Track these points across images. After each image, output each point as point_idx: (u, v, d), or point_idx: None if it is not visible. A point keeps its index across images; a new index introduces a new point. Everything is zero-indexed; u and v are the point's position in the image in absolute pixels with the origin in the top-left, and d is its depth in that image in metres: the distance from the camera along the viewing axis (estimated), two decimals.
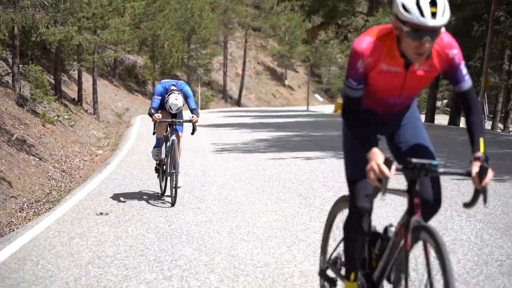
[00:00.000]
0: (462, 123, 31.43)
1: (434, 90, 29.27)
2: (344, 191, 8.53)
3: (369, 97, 3.45)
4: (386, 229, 3.49)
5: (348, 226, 3.67)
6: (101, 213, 7.44)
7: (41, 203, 9.78)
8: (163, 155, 8.57)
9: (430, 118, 28.65)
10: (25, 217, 8.71)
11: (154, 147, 8.80)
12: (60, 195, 10.20)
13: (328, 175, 10.03)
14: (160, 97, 8.27)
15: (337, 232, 4.31)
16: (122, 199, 8.41)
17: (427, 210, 3.38)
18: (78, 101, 27.58)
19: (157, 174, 8.83)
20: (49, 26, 17.87)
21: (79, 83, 28.47)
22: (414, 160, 3.07)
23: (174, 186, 7.86)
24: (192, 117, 8.16)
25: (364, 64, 3.24)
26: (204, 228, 6.62)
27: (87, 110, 27.58)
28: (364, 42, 3.25)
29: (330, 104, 68.79)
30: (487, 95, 32.68)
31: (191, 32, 50.80)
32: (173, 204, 7.76)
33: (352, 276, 3.66)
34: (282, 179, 9.81)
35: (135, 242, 6.08)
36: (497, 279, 4.74)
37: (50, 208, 8.66)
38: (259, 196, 8.45)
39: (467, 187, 8.50)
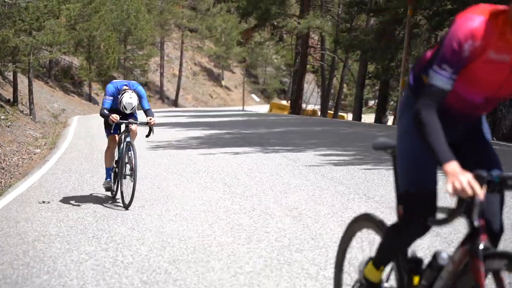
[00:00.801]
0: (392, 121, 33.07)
1: (361, 89, 30.80)
2: (266, 180, 9.52)
3: (452, 93, 2.81)
4: (435, 256, 2.89)
5: (393, 232, 3.11)
6: (43, 202, 8.20)
7: None
8: (116, 157, 8.45)
9: (357, 117, 30.15)
10: None
11: (106, 179, 8.50)
12: (2, 189, 10.84)
13: (252, 167, 11.00)
14: (112, 98, 8.11)
15: (352, 268, 3.91)
16: (62, 190, 9.17)
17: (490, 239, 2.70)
18: (13, 102, 27.79)
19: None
20: None
21: (15, 84, 28.68)
22: (495, 173, 2.60)
23: (132, 188, 7.68)
24: (150, 119, 8.03)
25: (472, 48, 2.65)
26: (137, 212, 7.49)
27: (23, 111, 27.83)
28: (475, 20, 2.65)
29: (266, 104, 70.02)
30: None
31: (127, 33, 51.11)
32: (127, 208, 7.62)
33: (382, 267, 3.23)
34: (210, 171, 10.73)
35: (76, 224, 6.90)
36: None
37: None
38: (188, 185, 9.35)
39: None
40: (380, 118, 29.21)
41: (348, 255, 3.64)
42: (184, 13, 62.64)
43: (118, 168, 8.22)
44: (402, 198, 3.04)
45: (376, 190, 8.48)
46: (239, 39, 49.38)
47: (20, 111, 27.20)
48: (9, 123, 20.61)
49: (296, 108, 39.03)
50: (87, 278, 4.98)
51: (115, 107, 8.18)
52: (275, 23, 46.42)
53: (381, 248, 3.21)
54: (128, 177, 7.97)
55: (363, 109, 41.89)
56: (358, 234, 3.53)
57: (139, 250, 5.77)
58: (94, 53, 45.33)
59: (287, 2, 37.80)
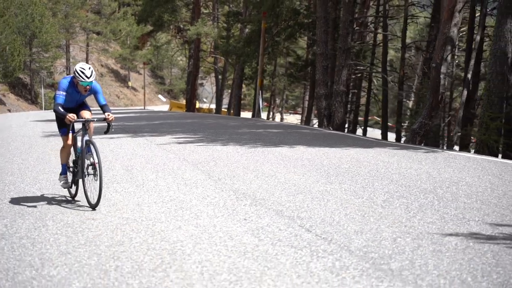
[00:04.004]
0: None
1: (239, 88, 35.07)
2: (122, 154, 13.28)
3: None
4: None
5: None
6: None
7: None
8: (73, 157, 8.35)
9: (237, 113, 34.38)
10: None
11: (61, 174, 8.42)
12: None
13: (117, 146, 14.65)
14: (65, 93, 7.84)
15: None
16: None
17: None
18: None
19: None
20: None
21: None
22: None
23: (98, 189, 7.58)
24: (108, 115, 7.92)
25: None
26: (22, 167, 11.04)
27: None
28: None
29: None
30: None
31: (32, 36, 53.34)
32: (95, 207, 7.60)
33: None
34: None
35: None
36: None
37: None
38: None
39: None
40: (254, 113, 33.47)
41: None
42: (89, 17, 65.21)
43: (78, 167, 8.06)
44: None
45: (193, 156, 12.38)
46: (136, 43, 52.70)
47: None
48: None
49: (191, 106, 42.82)
50: None
51: (69, 105, 8.08)
52: (181, 26, 50.00)
53: None
54: (91, 176, 7.83)
55: (262, 107, 46.14)
56: None
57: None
58: None
59: (179, 10, 41.56)
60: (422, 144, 18.93)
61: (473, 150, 18.11)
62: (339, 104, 22.73)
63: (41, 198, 8.40)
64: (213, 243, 5.95)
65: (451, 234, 6.05)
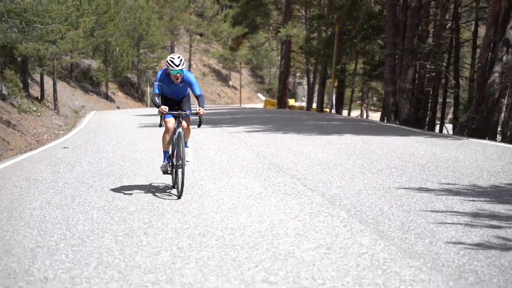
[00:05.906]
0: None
1: (322, 86, 37.28)
2: (197, 139, 15.95)
3: None
4: None
5: None
6: (64, 147, 14.64)
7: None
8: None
9: (320, 109, 36.64)
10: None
11: (163, 162, 8.77)
12: (43, 144, 17.31)
13: (194, 133, 17.29)
14: (161, 84, 8.25)
15: None
16: (76, 144, 15.60)
17: None
18: (41, 99, 34.40)
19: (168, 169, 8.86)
20: (22, 42, 24.90)
21: (41, 85, 35.25)
22: None
23: (181, 179, 8.05)
24: (199, 109, 8.21)
25: None
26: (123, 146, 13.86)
27: (48, 107, 34.43)
28: None
29: None
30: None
31: (140, 38, 57.58)
32: (179, 197, 7.99)
33: None
34: None
35: (83, 159, 13.32)
36: None
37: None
38: (155, 138, 15.70)
39: None
40: (337, 109, 35.56)
41: None
42: (192, 19, 69.21)
43: (174, 158, 8.47)
44: None
45: (253, 141, 14.83)
46: (231, 44, 55.75)
47: (46, 107, 33.83)
48: (39, 114, 27.18)
49: (282, 103, 45.37)
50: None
51: (169, 96, 8.58)
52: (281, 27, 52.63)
53: None
54: (180, 166, 8.21)
55: (353, 105, 48.31)
56: None
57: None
58: (110, 56, 51.93)
59: (271, 13, 44.17)
60: (487, 138, 20.44)
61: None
62: (405, 100, 24.55)
63: (123, 167, 11.11)
64: (231, 191, 8.38)
65: (403, 188, 8.18)
